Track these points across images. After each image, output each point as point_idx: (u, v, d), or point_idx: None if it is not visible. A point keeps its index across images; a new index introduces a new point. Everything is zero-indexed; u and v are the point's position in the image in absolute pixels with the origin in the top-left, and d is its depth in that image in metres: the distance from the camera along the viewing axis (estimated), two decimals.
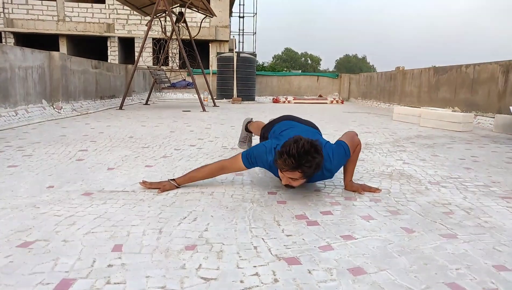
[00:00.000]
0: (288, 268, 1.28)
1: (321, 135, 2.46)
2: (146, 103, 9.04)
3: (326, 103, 11.32)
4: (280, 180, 2.01)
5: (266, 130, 2.63)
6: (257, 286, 1.18)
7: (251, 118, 3.38)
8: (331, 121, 5.99)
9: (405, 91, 8.38)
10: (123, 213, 1.77)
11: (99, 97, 7.88)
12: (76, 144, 3.45)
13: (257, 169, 2.63)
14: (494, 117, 5.48)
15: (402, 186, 2.32)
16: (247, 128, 3.32)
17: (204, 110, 7.32)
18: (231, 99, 10.71)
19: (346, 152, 2.10)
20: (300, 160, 1.77)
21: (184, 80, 8.41)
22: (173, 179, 2.19)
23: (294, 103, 11.27)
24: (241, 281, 1.20)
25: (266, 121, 2.83)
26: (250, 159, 2.09)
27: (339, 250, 1.43)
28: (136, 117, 5.87)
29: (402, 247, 1.47)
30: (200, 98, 7.43)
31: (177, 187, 2.18)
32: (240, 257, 1.36)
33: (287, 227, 1.65)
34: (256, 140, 3.07)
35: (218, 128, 4.77)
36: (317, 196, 2.09)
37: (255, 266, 1.29)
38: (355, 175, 2.52)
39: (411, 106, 8.06)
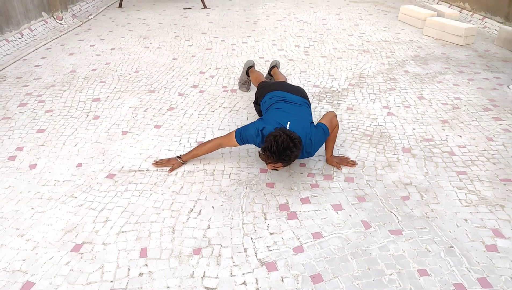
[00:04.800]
0: (267, 276, 1.80)
1: (309, 105, 2.72)
2: None
3: None
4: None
5: (260, 94, 2.88)
6: None
7: (253, 62, 3.57)
8: (332, 27, 5.90)
9: None
10: (143, 205, 2.24)
11: None
12: (88, 88, 3.73)
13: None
14: (502, 23, 5.36)
15: (377, 156, 2.69)
16: (248, 73, 3.54)
17: (204, 6, 7.11)
18: None
19: (325, 133, 2.43)
20: (280, 155, 2.12)
21: None
22: (179, 157, 2.58)
23: None
24: None
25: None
26: (242, 138, 2.42)
27: (308, 252, 1.92)
28: (137, 27, 5.86)
29: (356, 247, 1.94)
30: None
31: (183, 163, 2.59)
32: (233, 262, 1.87)
33: (271, 221, 2.12)
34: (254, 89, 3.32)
35: (219, 48, 4.86)
36: (301, 174, 2.50)
37: (243, 274, 1.80)
38: (339, 139, 2.87)
39: None
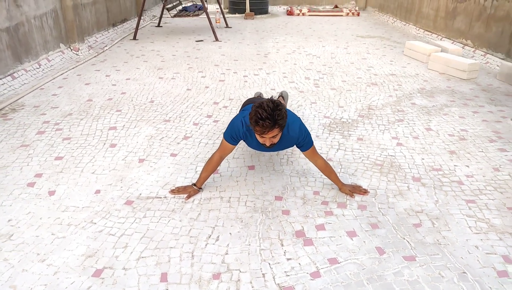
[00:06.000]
0: None
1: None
2: (159, 25, 8.99)
3: (342, 15, 10.93)
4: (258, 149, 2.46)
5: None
6: None
7: (260, 92, 3.71)
8: (341, 60, 6.10)
9: (422, 12, 8.09)
10: (161, 231, 2.29)
11: (111, 25, 7.91)
12: (105, 117, 3.85)
13: (264, 164, 3.05)
14: (503, 59, 5.53)
15: (388, 185, 2.75)
16: None
17: (216, 39, 7.38)
18: (243, 14, 10.47)
19: (307, 135, 2.46)
20: (273, 117, 2.10)
21: (195, 5, 8.22)
22: (194, 184, 2.66)
23: (309, 15, 10.93)
24: None
25: None
26: (232, 137, 2.48)
27: (325, 277, 1.96)
28: (152, 59, 6.08)
29: (372, 273, 1.98)
30: (212, 27, 7.40)
31: (199, 190, 2.67)
32: (252, 287, 1.91)
33: (288, 247, 2.17)
34: None
35: (231, 80, 5.03)
36: (315, 202, 2.57)
37: None
38: (350, 168, 2.94)
39: (426, 30, 7.90)
